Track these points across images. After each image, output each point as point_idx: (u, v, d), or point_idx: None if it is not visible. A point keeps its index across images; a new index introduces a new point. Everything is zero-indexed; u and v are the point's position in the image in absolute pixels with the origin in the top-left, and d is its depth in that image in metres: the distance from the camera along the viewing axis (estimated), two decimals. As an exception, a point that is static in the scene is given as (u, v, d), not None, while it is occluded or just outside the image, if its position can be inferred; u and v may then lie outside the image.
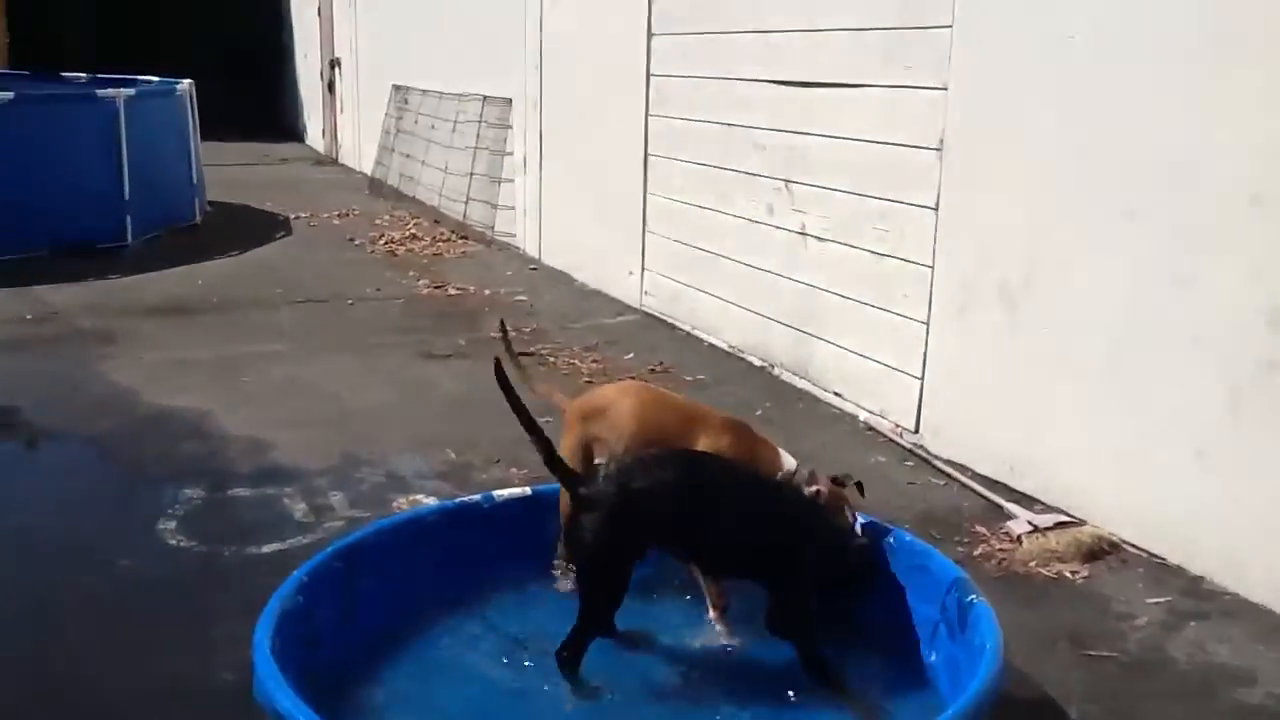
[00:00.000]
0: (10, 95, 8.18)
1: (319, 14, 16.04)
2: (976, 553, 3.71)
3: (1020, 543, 3.74)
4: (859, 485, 3.12)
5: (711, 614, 3.07)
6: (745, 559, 2.87)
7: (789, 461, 3.15)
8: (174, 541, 3.69)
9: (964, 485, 4.26)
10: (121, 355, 5.83)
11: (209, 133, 11.12)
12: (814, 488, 2.99)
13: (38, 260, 7.81)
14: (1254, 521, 3.42)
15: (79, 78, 11.85)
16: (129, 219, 8.77)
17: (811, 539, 2.84)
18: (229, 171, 12.77)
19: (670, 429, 3.12)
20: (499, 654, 2.93)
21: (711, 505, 2.79)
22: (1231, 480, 3.47)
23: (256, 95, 18.26)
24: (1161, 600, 3.42)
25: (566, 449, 3.12)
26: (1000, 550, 3.72)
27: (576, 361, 5.83)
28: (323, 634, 2.75)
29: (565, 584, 3.14)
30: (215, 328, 6.53)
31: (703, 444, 3.08)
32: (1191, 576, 3.55)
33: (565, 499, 2.93)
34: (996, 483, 4.23)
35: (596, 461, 3.14)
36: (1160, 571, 3.60)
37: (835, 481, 3.04)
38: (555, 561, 3.21)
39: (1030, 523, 3.82)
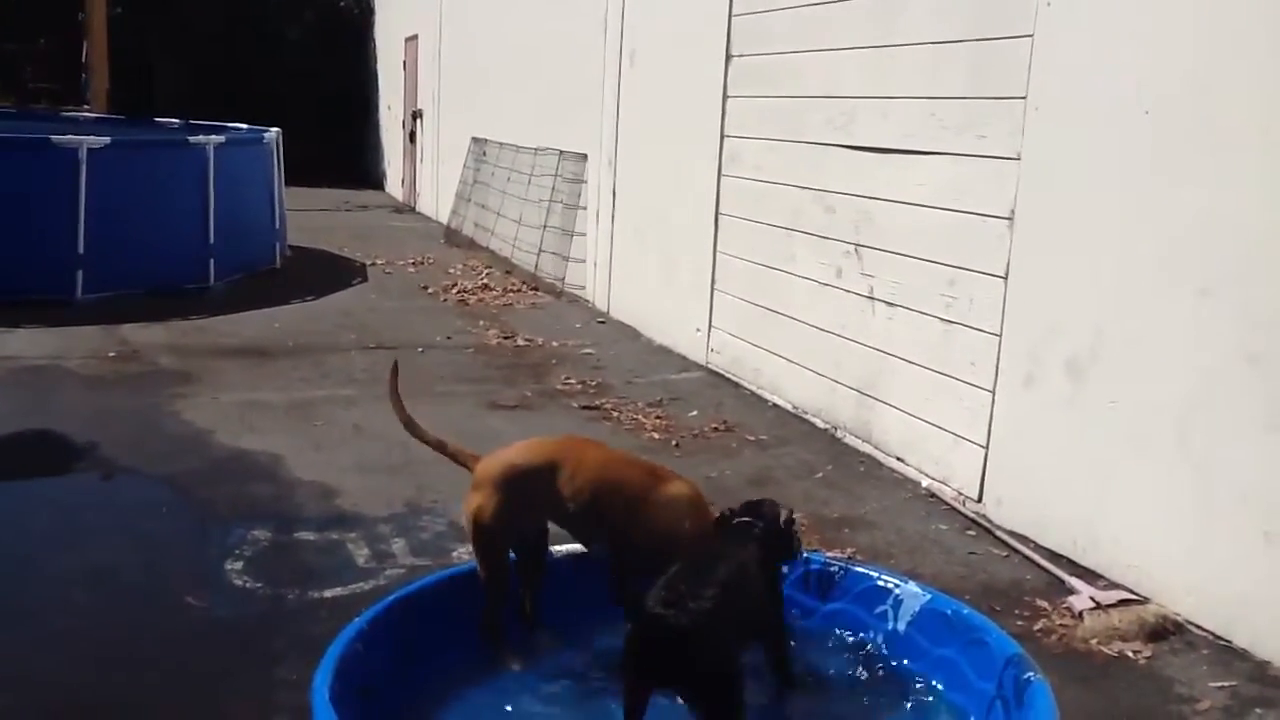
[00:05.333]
0: (107, 140, 8.50)
1: (404, 68, 16.50)
2: (1037, 628, 3.66)
3: (1082, 619, 3.68)
4: None
5: None
6: (759, 627, 2.90)
7: None
8: (240, 582, 3.77)
9: (1026, 557, 4.21)
10: (198, 395, 6.00)
11: (293, 179, 11.45)
12: None
13: (124, 299, 8.06)
14: (1325, 608, 3.34)
15: (172, 124, 12.27)
16: (213, 262, 9.06)
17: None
18: (311, 217, 13.12)
19: (633, 480, 3.11)
20: (558, 703, 2.93)
21: (748, 590, 2.81)
22: (1302, 564, 3.39)
23: (340, 143, 18.78)
24: (1226, 685, 3.34)
25: (492, 510, 3.03)
26: (1061, 626, 3.67)
27: (640, 417, 5.86)
28: (381, 682, 2.79)
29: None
30: (289, 371, 6.69)
31: (674, 488, 3.10)
32: (1258, 661, 3.47)
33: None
34: (1060, 556, 4.18)
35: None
36: (1225, 655, 3.52)
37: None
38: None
39: (1093, 599, 3.77)
